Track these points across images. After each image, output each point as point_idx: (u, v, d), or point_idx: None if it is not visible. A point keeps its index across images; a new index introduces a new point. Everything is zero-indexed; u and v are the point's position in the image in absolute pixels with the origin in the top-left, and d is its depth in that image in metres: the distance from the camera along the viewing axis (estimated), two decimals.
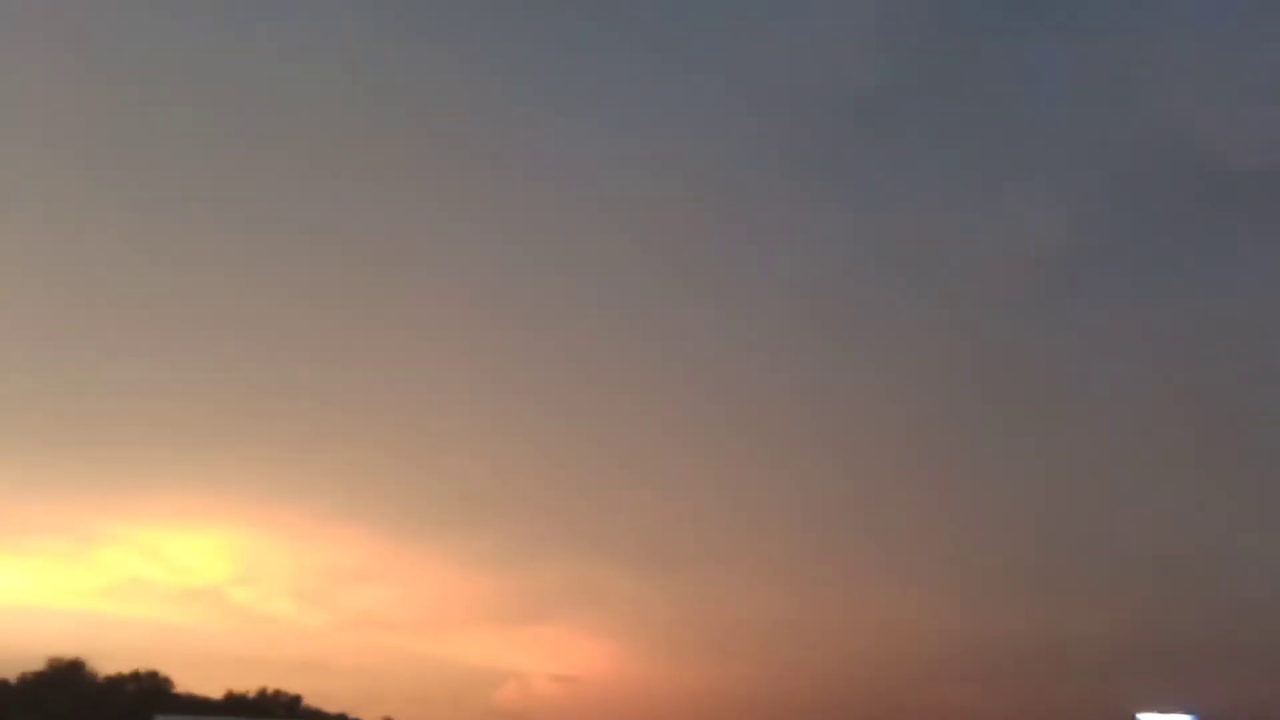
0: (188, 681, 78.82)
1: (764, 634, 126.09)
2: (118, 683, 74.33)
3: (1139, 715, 64.69)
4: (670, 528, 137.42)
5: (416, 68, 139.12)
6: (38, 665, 70.21)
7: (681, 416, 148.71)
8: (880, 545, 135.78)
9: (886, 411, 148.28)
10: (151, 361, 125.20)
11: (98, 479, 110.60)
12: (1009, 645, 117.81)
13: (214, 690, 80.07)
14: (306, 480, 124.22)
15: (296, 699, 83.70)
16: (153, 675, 76.47)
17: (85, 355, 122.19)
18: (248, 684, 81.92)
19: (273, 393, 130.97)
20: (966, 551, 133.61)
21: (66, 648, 73.06)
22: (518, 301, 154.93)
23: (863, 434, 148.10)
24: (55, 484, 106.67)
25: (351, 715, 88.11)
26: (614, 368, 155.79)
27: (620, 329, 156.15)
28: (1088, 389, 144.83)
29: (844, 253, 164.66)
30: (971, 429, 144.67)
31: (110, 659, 76.52)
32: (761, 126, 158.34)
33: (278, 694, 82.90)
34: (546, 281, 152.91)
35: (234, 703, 79.62)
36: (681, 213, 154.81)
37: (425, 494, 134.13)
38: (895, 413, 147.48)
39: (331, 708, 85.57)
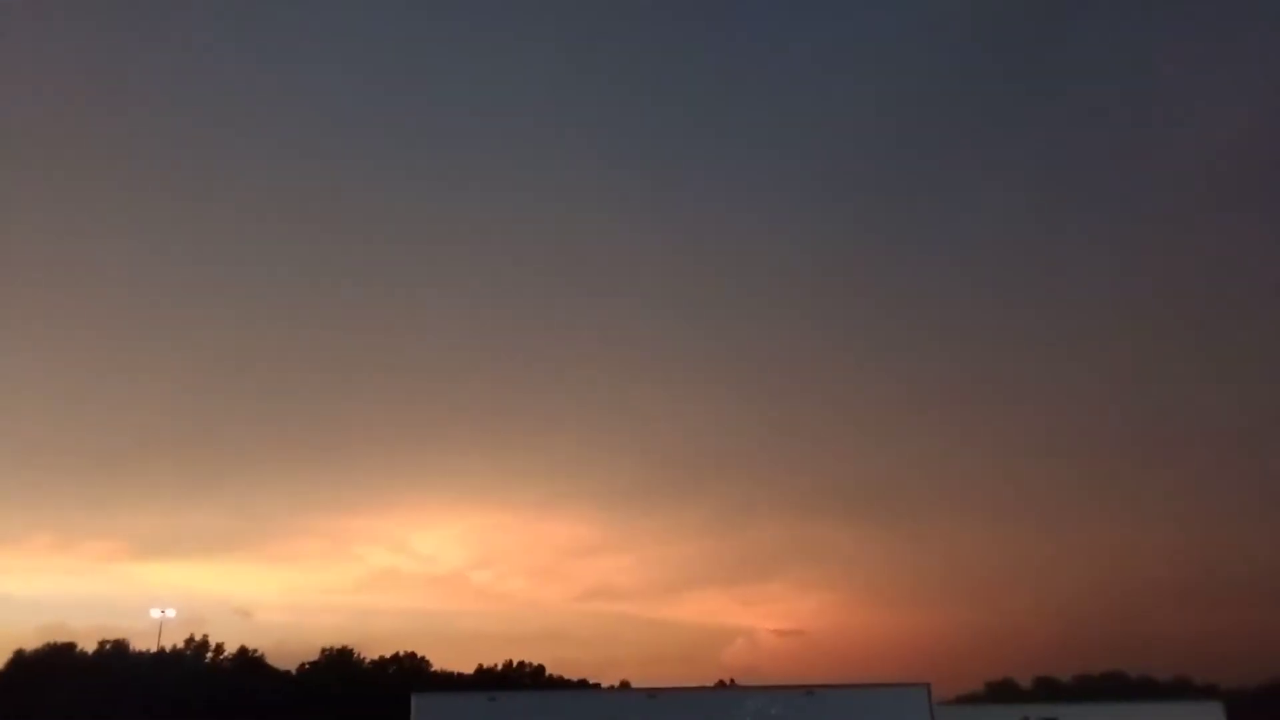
0: (441, 660, 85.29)
1: (989, 575, 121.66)
2: (382, 665, 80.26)
3: None
4: (883, 479, 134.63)
5: None
6: (312, 656, 76.85)
7: (889, 364, 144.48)
8: (1100, 481, 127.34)
9: (1094, 343, 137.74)
10: (386, 378, 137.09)
11: (348, 487, 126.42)
12: (1265, 564, 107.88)
13: (465, 666, 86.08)
14: (532, 469, 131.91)
15: (540, 669, 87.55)
16: (411, 656, 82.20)
17: (328, 383, 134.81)
18: (495, 658, 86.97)
19: (493, 393, 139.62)
20: (1213, 470, 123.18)
21: (335, 638, 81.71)
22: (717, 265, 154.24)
23: (1061, 372, 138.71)
24: (314, 495, 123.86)
25: (591, 680, 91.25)
26: (815, 325, 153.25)
27: (810, 293, 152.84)
28: None
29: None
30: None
31: (373, 645, 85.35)
32: None
33: (523, 665, 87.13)
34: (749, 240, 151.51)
35: (484, 676, 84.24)
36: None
37: (643, 469, 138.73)
38: (1104, 341, 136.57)
39: (572, 674, 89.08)
